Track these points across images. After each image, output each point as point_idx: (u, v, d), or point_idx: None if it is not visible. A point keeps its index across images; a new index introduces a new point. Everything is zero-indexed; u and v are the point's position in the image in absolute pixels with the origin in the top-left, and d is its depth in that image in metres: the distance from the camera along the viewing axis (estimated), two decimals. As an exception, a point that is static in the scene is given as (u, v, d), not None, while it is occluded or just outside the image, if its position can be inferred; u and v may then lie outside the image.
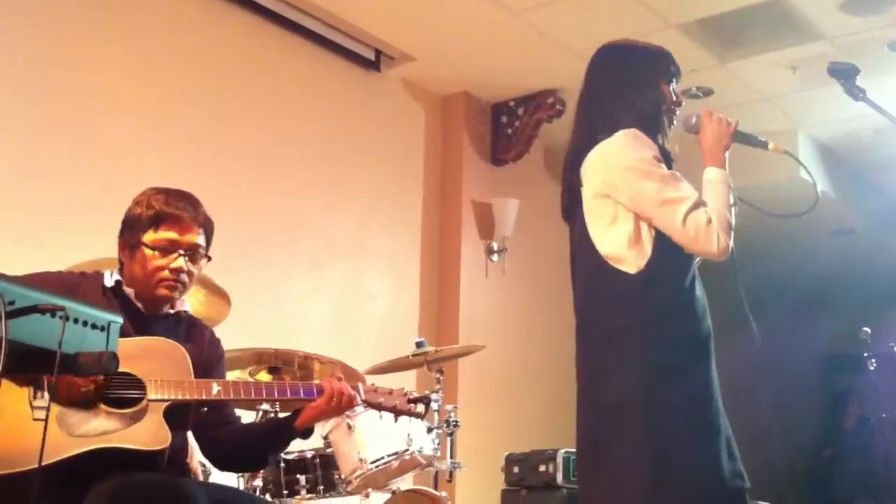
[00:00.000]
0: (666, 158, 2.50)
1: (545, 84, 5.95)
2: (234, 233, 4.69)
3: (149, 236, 2.51)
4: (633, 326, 2.41)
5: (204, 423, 2.57)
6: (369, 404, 2.61)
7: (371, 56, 5.57)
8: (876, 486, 6.21)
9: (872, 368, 4.84)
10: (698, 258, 2.50)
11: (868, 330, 5.22)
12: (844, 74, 2.87)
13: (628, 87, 2.59)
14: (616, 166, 2.45)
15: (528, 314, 6.31)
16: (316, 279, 5.18)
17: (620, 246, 2.44)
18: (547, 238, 6.58)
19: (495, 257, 6.03)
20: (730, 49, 5.46)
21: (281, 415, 3.23)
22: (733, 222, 2.44)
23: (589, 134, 2.58)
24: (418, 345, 4.03)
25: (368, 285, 5.50)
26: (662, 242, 2.41)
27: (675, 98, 2.61)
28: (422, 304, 5.80)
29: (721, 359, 2.46)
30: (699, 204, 2.41)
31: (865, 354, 5.04)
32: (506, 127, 6.16)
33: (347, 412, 2.75)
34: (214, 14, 4.87)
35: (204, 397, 2.45)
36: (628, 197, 2.43)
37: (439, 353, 4.07)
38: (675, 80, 2.64)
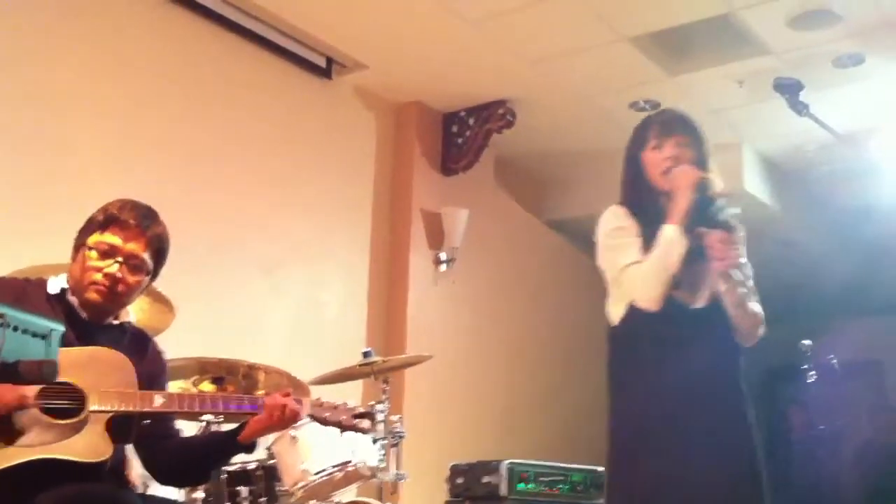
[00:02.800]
0: (650, 225, 2.71)
1: (496, 94, 5.97)
2: (184, 238, 4.61)
3: (94, 238, 2.48)
4: (610, 376, 2.77)
5: (145, 435, 2.52)
6: (314, 419, 2.58)
7: (322, 63, 5.54)
8: (819, 499, 6.29)
9: (811, 381, 4.91)
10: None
11: (808, 342, 5.30)
12: (789, 89, 2.93)
13: (623, 168, 2.90)
14: (598, 239, 2.86)
15: (476, 324, 6.32)
16: (265, 287, 5.13)
17: (608, 305, 2.81)
18: (496, 248, 6.61)
19: (444, 267, 6.03)
20: (679, 62, 5.53)
21: (224, 426, 3.19)
22: (662, 275, 2.65)
23: None
24: (365, 354, 4.01)
25: (317, 294, 5.47)
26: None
27: (664, 154, 2.76)
28: (370, 313, 5.77)
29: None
30: (633, 264, 2.70)
31: (805, 366, 5.11)
32: (456, 136, 6.17)
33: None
34: (171, 20, 4.83)
35: (147, 409, 2.41)
36: (602, 267, 2.83)
37: (386, 364, 4.05)
38: (658, 141, 2.78)
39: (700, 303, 2.71)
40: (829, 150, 6.35)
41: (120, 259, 2.47)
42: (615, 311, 2.75)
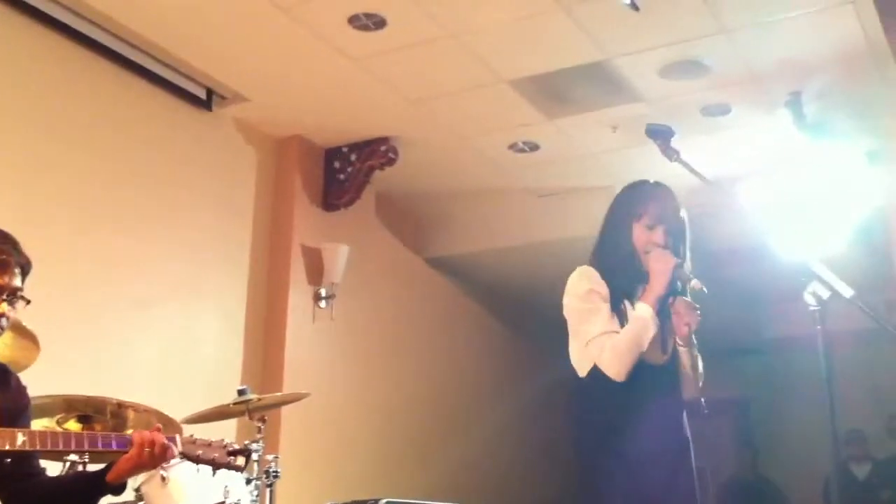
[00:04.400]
0: (623, 291, 2.93)
1: (379, 131, 6.00)
2: (50, 273, 4.44)
3: None
4: (575, 422, 2.91)
5: (6, 475, 2.41)
6: (186, 457, 2.51)
7: (202, 95, 5.46)
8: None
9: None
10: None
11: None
12: (661, 135, 3.04)
13: (605, 227, 3.08)
14: (565, 297, 2.98)
15: (356, 362, 6.27)
16: (136, 323, 4.97)
17: (573, 356, 2.94)
18: (376, 285, 6.59)
19: (323, 303, 5.98)
20: (556, 106, 5.67)
21: (90, 467, 3.08)
22: (634, 352, 2.83)
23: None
24: (240, 392, 3.93)
25: (192, 329, 5.33)
26: None
27: (653, 239, 2.98)
28: (246, 349, 5.66)
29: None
30: (602, 335, 2.85)
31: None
32: (338, 172, 6.15)
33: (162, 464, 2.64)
34: (38, 45, 4.64)
35: (8, 448, 2.31)
36: (568, 323, 2.97)
37: (262, 402, 3.98)
38: (652, 222, 3.00)
39: (661, 360, 2.92)
40: (698, 194, 6.56)
41: (5, 297, 2.43)
42: (582, 366, 2.89)
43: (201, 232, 5.45)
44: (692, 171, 2.96)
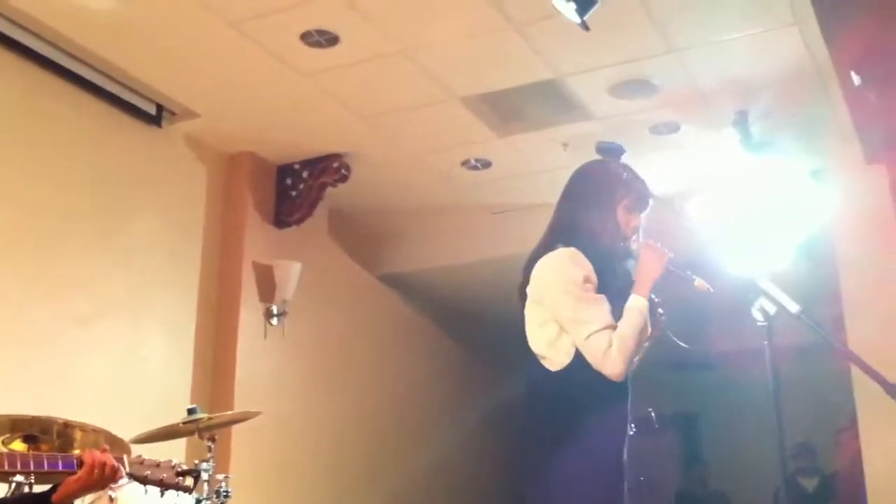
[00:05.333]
0: (605, 277, 2.71)
1: (331, 148, 5.99)
2: (-8, 290, 4.38)
3: None
4: (544, 416, 2.71)
5: (-53, 498, 2.36)
6: (134, 477, 2.48)
7: (152, 110, 5.40)
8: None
9: (631, 433, 5.08)
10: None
11: (629, 396, 5.47)
12: (611, 153, 3.07)
13: (587, 205, 2.83)
14: (547, 281, 2.73)
15: (308, 379, 6.23)
16: (84, 341, 4.89)
17: (544, 346, 2.71)
18: (329, 302, 6.56)
19: (275, 321, 5.93)
20: (508, 123, 5.70)
21: (36, 488, 3.02)
22: (636, 349, 2.67)
23: (547, 241, 2.84)
24: (190, 411, 3.89)
25: (140, 348, 5.26)
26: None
27: (632, 224, 2.81)
28: (196, 368, 5.59)
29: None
30: (606, 328, 2.63)
31: (626, 419, 5.27)
32: (290, 189, 6.12)
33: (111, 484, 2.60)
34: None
35: (-51, 470, 2.26)
36: (552, 309, 2.70)
37: (212, 420, 3.94)
38: (636, 207, 2.83)
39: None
40: (648, 211, 6.66)
41: None
42: (558, 359, 2.67)
43: (150, 249, 5.38)
44: (642, 187, 2.97)
